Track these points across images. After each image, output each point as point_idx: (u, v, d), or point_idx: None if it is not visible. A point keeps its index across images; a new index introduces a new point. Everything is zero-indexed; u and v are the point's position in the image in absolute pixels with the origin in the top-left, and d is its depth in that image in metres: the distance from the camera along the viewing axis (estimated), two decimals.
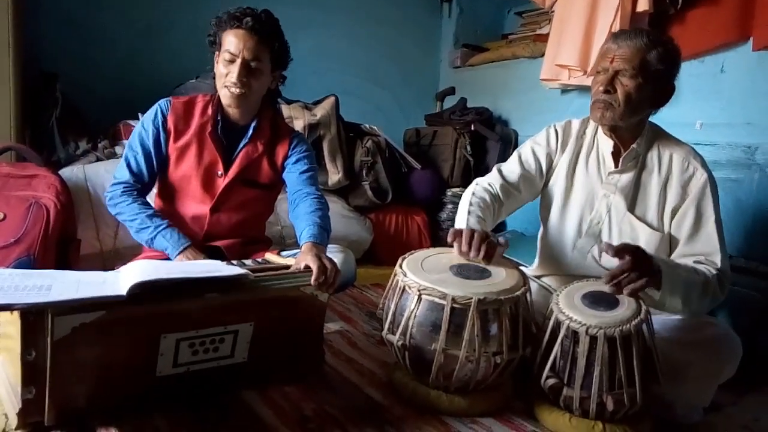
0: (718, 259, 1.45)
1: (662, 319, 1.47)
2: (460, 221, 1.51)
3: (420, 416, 1.36)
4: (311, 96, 2.84)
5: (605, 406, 1.28)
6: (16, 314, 1.05)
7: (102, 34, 2.72)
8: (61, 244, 1.88)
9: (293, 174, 1.72)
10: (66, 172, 2.17)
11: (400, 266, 1.44)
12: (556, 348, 1.32)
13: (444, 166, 3.09)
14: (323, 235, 1.57)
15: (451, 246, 1.44)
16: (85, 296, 1.10)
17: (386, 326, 1.42)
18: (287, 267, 1.44)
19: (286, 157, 1.75)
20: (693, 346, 1.41)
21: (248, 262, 1.50)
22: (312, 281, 1.38)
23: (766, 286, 1.99)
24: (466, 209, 1.53)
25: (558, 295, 1.39)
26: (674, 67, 1.48)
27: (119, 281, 1.19)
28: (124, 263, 1.42)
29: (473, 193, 1.59)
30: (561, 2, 2.70)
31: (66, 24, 2.63)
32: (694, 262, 1.45)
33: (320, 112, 2.71)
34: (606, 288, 1.34)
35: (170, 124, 1.65)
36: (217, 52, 1.63)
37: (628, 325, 1.26)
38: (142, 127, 1.66)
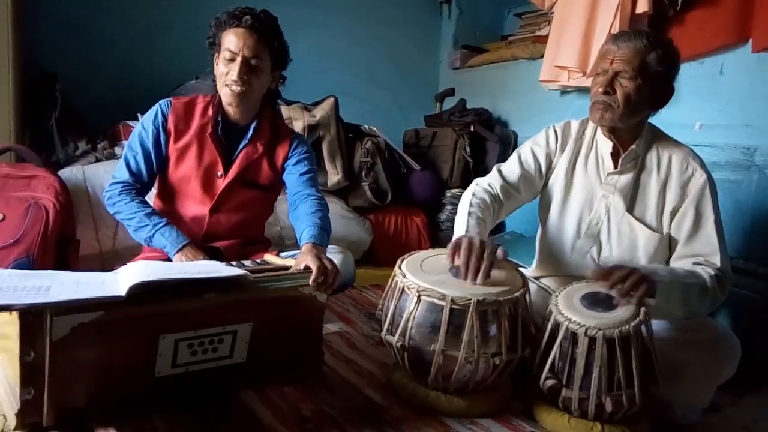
0: (717, 260, 1.45)
1: (661, 320, 1.47)
2: (460, 222, 1.51)
3: (419, 417, 1.36)
4: (311, 96, 2.84)
5: (604, 407, 1.28)
6: (14, 315, 1.05)
7: (101, 34, 2.72)
8: (60, 244, 1.88)
9: (293, 175, 1.73)
10: (65, 172, 2.17)
11: (400, 267, 1.44)
12: (555, 349, 1.32)
13: (443, 167, 3.09)
14: (323, 236, 1.57)
15: (451, 261, 1.38)
16: (84, 297, 1.10)
17: (385, 327, 1.42)
18: (286, 268, 1.44)
19: (286, 159, 1.75)
20: (692, 346, 1.41)
21: (247, 263, 1.50)
22: (311, 281, 1.38)
23: (765, 287, 1.99)
24: (466, 210, 1.53)
25: (557, 296, 1.39)
26: (674, 69, 1.49)
27: (118, 282, 1.19)
28: (123, 264, 1.41)
29: (473, 194, 1.58)
30: (560, 3, 2.70)
31: (65, 25, 2.63)
32: (694, 263, 1.45)
33: (320, 113, 2.71)
34: (604, 289, 1.34)
35: (170, 125, 1.65)
36: (216, 54, 1.63)
37: (627, 327, 1.26)
38: (142, 127, 1.66)
